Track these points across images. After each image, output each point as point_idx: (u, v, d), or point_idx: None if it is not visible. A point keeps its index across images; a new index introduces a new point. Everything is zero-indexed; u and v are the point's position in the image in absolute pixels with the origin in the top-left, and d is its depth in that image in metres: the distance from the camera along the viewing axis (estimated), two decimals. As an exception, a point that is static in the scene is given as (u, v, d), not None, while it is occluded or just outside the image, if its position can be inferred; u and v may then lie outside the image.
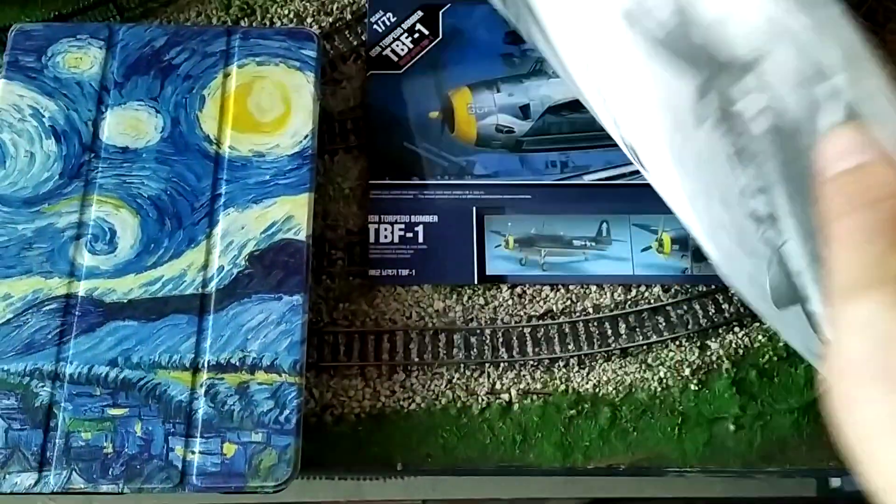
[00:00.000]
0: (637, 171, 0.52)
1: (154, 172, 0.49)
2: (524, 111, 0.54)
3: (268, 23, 0.58)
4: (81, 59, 0.51)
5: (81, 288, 0.46)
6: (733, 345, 0.49)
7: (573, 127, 0.54)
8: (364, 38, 0.57)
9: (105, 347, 0.45)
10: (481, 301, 0.50)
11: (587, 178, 0.53)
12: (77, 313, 0.45)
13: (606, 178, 0.53)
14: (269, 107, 0.51)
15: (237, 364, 0.45)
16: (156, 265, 0.47)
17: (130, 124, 0.50)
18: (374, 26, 0.57)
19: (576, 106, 0.54)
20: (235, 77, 0.51)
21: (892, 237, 0.23)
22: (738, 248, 0.36)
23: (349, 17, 0.58)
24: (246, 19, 0.58)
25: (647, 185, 0.52)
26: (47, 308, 0.45)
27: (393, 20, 0.57)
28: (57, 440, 0.43)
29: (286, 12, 0.58)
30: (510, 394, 0.48)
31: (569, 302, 0.50)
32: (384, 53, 0.56)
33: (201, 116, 0.50)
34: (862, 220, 0.24)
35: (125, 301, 0.46)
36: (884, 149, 0.25)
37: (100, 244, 0.47)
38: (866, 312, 0.22)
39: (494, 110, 0.54)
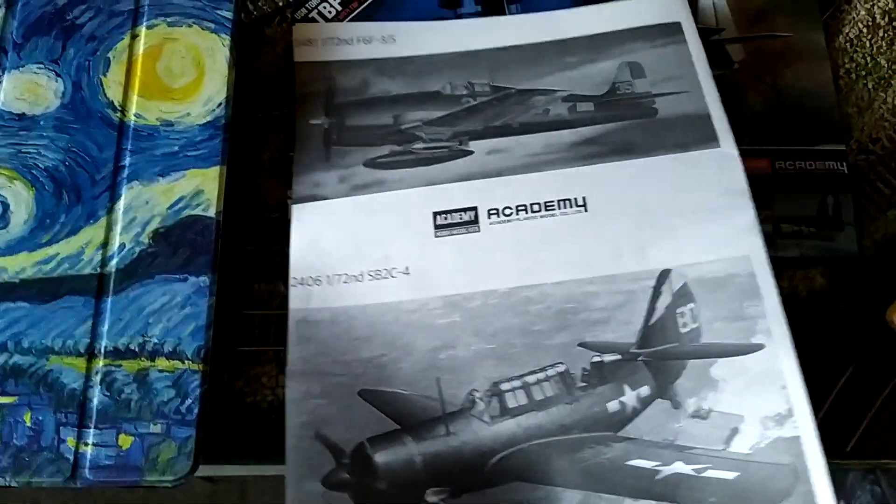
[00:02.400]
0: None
1: (52, 142, 0.45)
2: None
3: None
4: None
5: (-31, 266, 0.43)
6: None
7: None
8: (290, -1, 0.54)
9: (-7, 331, 0.42)
10: (406, 282, 0.48)
11: None
12: (-35, 293, 0.42)
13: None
14: (179, 72, 0.47)
15: (136, 350, 0.42)
16: (51, 242, 0.43)
17: (28, 89, 0.46)
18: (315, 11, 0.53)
19: None
20: (144, 38, 0.48)
21: None
22: None
23: (285, -10, 0.54)
24: None
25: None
26: None
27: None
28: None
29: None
30: (434, 380, 0.46)
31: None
32: (311, 15, 0.53)
33: (105, 81, 0.47)
34: None
35: (16, 281, 0.43)
36: None
37: (-9, 219, 0.44)
38: None
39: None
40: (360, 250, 0.46)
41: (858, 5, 0.56)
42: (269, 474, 0.45)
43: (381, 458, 0.41)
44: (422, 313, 0.45)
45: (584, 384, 0.43)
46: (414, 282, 0.45)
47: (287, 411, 0.43)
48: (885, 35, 0.55)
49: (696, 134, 0.48)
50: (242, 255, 0.48)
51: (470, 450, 0.42)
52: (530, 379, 0.43)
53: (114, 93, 0.46)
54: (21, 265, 0.43)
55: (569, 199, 0.47)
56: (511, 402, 0.43)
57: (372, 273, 0.46)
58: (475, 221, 0.47)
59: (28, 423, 0.40)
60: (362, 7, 0.53)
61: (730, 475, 0.41)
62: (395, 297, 0.45)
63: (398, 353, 0.44)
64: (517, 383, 0.43)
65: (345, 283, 0.45)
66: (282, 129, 0.51)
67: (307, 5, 0.53)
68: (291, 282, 0.45)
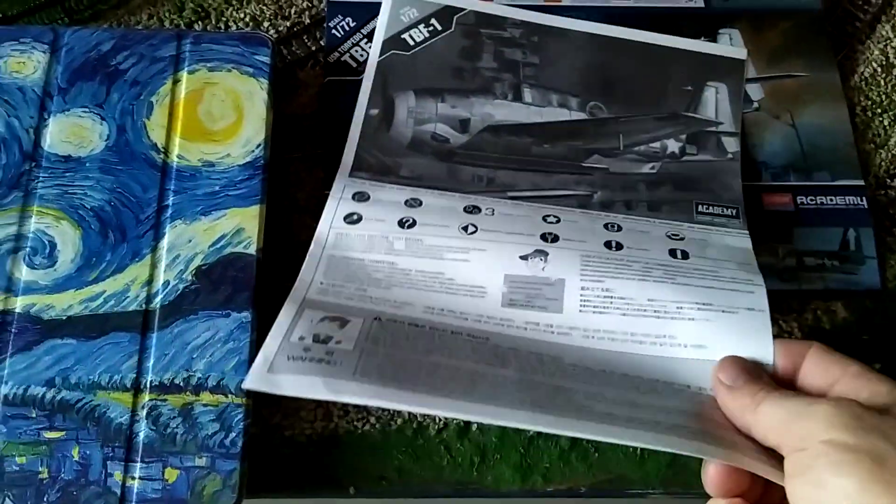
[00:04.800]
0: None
1: (97, 182, 0.47)
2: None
3: (222, 26, 0.56)
4: (24, 63, 0.49)
5: (18, 304, 0.44)
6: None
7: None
8: (322, 44, 0.55)
9: (42, 367, 0.43)
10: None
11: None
12: (13, 331, 0.43)
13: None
14: (220, 114, 0.49)
15: (181, 385, 0.43)
16: (97, 280, 0.45)
17: (74, 132, 0.48)
18: (333, 31, 0.55)
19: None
20: (185, 83, 0.49)
21: None
22: None
23: (307, 21, 0.56)
24: (200, 22, 0.56)
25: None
26: (-13, 325, 0.43)
27: (352, 25, 0.55)
28: (-9, 464, 0.41)
29: (242, 16, 0.56)
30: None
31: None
32: (343, 59, 0.54)
33: (149, 124, 0.48)
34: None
35: (64, 318, 0.44)
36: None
37: (39, 258, 0.45)
38: None
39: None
40: None
41: (872, 45, 0.58)
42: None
43: None
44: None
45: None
46: None
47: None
48: (899, 74, 0.57)
49: None
50: (280, 291, 0.49)
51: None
52: None
53: (157, 135, 0.48)
54: (68, 303, 0.44)
55: None
56: None
57: None
58: None
59: (76, 458, 0.41)
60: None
61: None
62: None
63: None
64: None
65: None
66: (315, 169, 0.52)
67: (339, 49, 0.54)
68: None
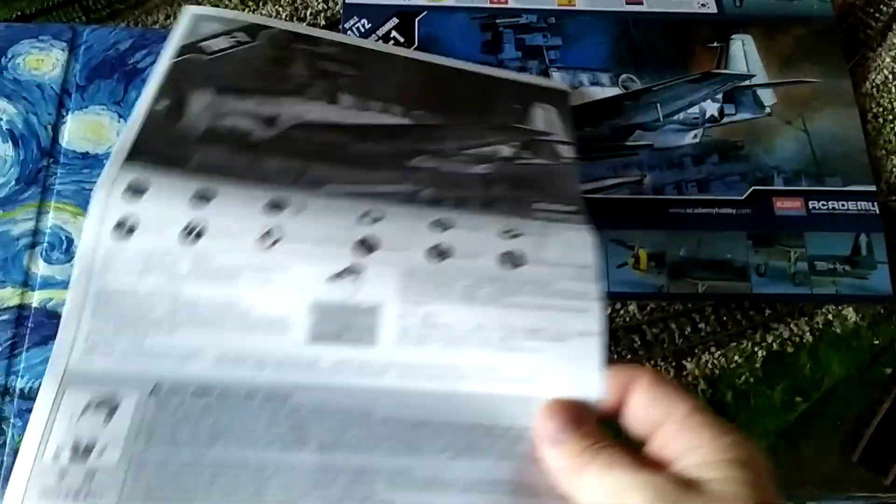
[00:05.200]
0: (614, 186, 0.52)
1: (115, 179, 0.47)
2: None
3: (238, 27, 0.56)
4: (43, 60, 0.50)
5: (35, 298, 0.44)
6: (709, 365, 0.48)
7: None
8: (338, 45, 0.56)
9: (58, 361, 0.43)
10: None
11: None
12: (30, 325, 0.44)
13: (583, 192, 0.51)
14: (236, 113, 0.49)
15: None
16: (114, 276, 0.45)
17: (92, 129, 0.48)
18: (349, 33, 0.55)
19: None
20: (202, 82, 0.49)
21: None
22: None
23: (323, 22, 0.57)
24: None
25: (625, 200, 0.51)
26: (2, 318, 0.44)
27: (368, 27, 0.56)
28: (5, 457, 0.41)
29: (258, 17, 0.57)
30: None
31: (542, 319, 0.49)
32: (356, 61, 0.54)
33: (166, 122, 0.48)
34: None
35: (81, 313, 0.44)
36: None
37: (56, 253, 0.45)
38: None
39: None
40: None
41: (883, 52, 0.58)
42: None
43: None
44: None
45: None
46: None
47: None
48: (910, 81, 0.57)
49: None
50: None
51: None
52: None
53: (174, 133, 0.48)
54: (85, 298, 0.44)
55: None
56: None
57: None
58: None
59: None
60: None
61: None
62: None
63: None
64: None
65: None
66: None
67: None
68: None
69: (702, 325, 0.49)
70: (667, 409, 0.34)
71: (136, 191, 0.38)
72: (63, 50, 0.50)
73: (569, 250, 0.41)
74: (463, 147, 0.47)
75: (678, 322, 0.49)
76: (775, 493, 0.32)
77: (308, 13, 0.57)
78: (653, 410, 0.34)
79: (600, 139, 0.53)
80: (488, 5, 0.57)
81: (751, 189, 0.52)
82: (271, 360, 0.37)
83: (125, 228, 0.37)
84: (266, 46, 0.47)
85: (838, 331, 0.50)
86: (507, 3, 0.58)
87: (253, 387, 0.36)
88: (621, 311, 0.49)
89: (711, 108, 0.54)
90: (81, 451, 0.34)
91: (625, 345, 0.48)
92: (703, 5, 0.58)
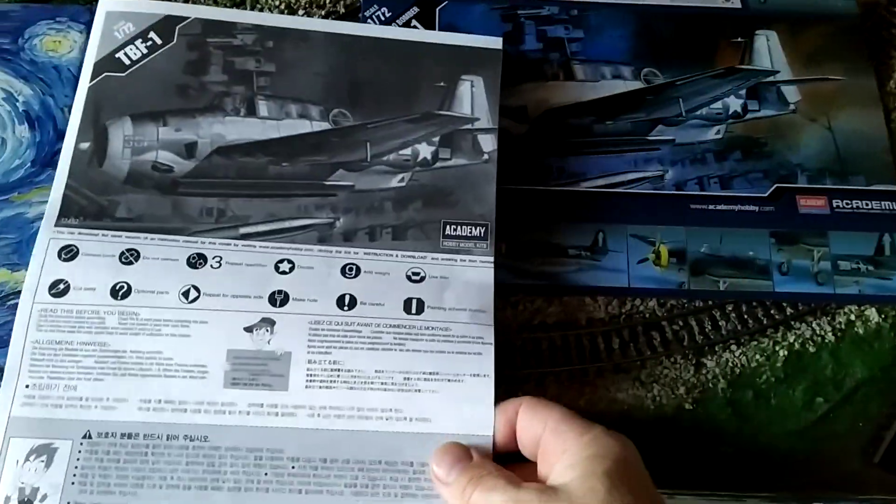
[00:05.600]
0: (636, 180, 0.51)
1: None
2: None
3: (257, 11, 0.56)
4: (60, 42, 0.49)
5: (50, 282, 0.44)
6: (730, 364, 0.48)
7: (570, 133, 0.52)
8: (357, 33, 0.55)
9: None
10: (470, 310, 0.48)
11: (584, 186, 0.51)
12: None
13: (604, 186, 0.51)
14: (254, 99, 0.48)
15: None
16: (130, 261, 0.44)
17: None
18: (369, 21, 0.55)
19: (574, 110, 0.53)
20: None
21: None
22: None
23: (342, 10, 0.56)
24: (235, 8, 0.55)
25: (646, 195, 0.50)
26: (12, 303, 0.43)
27: (388, 15, 0.55)
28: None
29: (277, 3, 0.56)
30: (497, 407, 0.46)
31: (562, 314, 0.48)
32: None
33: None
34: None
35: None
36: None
37: (71, 237, 0.45)
38: None
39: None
40: None
41: (909, 51, 0.57)
42: None
43: None
44: None
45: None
46: None
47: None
48: (936, 81, 0.56)
49: None
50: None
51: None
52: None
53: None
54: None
55: None
56: None
57: None
58: None
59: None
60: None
61: None
62: None
63: None
64: None
65: None
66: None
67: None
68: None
69: (722, 323, 0.48)
70: (542, 423, 0.38)
71: (68, 255, 0.43)
72: (81, 31, 0.50)
73: (467, 294, 0.44)
74: (382, 152, 0.49)
75: (698, 319, 0.49)
76: (637, 481, 0.36)
77: (328, 0, 0.56)
78: (531, 428, 0.39)
79: (622, 133, 0.53)
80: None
81: (774, 186, 0.51)
82: (191, 403, 0.40)
83: (59, 289, 0.42)
84: (182, 48, 0.49)
85: (860, 331, 0.49)
86: (528, -7, 0.57)
87: (174, 429, 0.40)
88: (641, 308, 0.49)
89: (735, 103, 0.54)
90: (26, 499, 0.37)
91: (644, 341, 0.48)
92: (727, 0, 0.57)
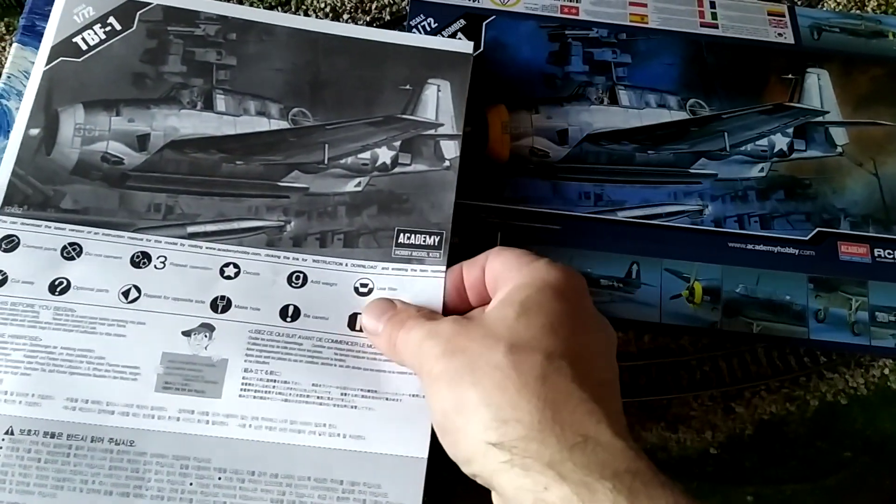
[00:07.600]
0: (674, 213, 0.50)
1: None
2: (561, 136, 0.52)
3: (301, 15, 0.55)
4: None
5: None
6: (759, 410, 0.46)
7: (611, 159, 0.51)
8: (401, 42, 0.54)
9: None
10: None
11: (621, 215, 0.50)
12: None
13: (642, 217, 0.50)
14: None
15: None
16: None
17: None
18: (414, 30, 0.54)
19: (616, 136, 0.52)
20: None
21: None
22: None
23: (388, 17, 0.55)
24: (279, 8, 0.55)
25: (684, 229, 0.49)
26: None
27: (434, 26, 0.54)
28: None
29: (322, 5, 0.55)
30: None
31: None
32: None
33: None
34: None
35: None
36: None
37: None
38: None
39: (531, 132, 0.51)
40: None
41: (962, 101, 0.56)
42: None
43: None
44: None
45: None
46: None
47: None
48: None
49: None
50: None
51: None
52: None
53: (229, 118, 0.47)
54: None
55: None
56: None
57: None
58: None
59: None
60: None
61: None
62: None
63: None
64: None
65: None
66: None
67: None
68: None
69: (754, 368, 0.47)
70: (501, 264, 0.38)
71: (8, 245, 0.42)
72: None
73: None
74: (340, 155, 0.47)
75: (729, 361, 0.47)
76: (557, 310, 0.35)
77: (374, 6, 0.55)
78: (492, 271, 0.39)
79: (663, 164, 0.51)
80: (559, 14, 0.56)
81: (816, 230, 0.50)
82: (119, 406, 0.39)
83: None
84: (141, 35, 0.48)
85: (894, 386, 0.48)
86: (578, 14, 0.56)
87: (99, 431, 0.38)
88: (671, 345, 0.48)
89: (781, 141, 0.53)
90: None
91: (672, 380, 0.47)
92: (780, 35, 0.56)
